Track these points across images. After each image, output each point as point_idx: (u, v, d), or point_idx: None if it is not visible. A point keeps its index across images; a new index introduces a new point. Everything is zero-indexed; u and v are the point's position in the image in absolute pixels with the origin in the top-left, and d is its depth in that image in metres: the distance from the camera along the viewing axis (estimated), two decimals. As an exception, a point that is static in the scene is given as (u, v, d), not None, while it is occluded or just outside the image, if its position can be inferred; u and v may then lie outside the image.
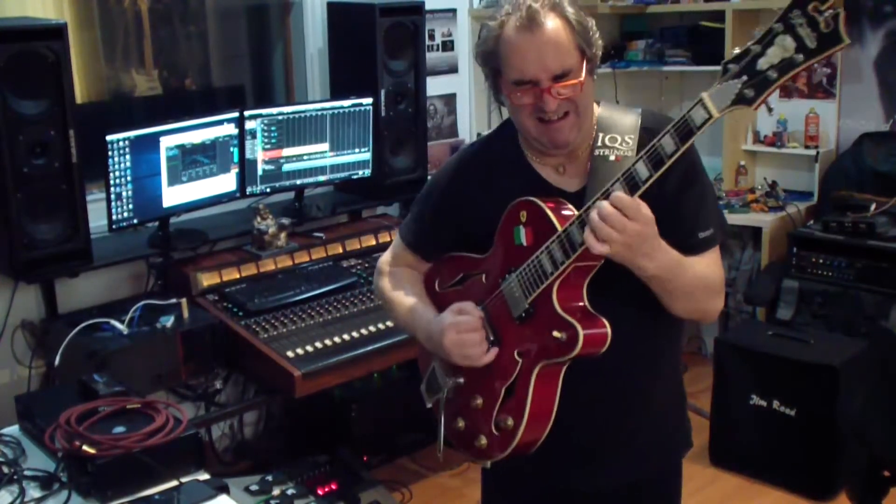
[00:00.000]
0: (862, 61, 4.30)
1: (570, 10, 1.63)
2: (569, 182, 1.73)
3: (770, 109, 1.49)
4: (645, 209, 1.52)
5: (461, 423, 1.80)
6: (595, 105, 1.75)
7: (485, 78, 1.75)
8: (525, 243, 1.66)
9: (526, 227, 1.66)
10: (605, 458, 1.80)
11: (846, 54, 4.29)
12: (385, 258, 1.97)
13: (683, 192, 1.68)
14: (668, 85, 4.91)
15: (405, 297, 1.88)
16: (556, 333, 1.59)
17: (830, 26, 1.35)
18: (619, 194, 1.51)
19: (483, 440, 1.73)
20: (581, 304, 1.62)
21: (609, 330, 1.59)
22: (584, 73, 1.63)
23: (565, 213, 1.62)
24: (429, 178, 1.90)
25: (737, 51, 1.45)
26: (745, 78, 1.43)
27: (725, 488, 3.59)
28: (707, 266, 1.69)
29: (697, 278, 1.66)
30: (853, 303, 3.92)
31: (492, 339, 1.72)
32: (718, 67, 1.47)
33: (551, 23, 1.60)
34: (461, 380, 1.78)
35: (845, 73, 4.35)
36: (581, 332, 1.57)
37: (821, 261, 4.04)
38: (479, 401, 1.74)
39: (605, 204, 1.51)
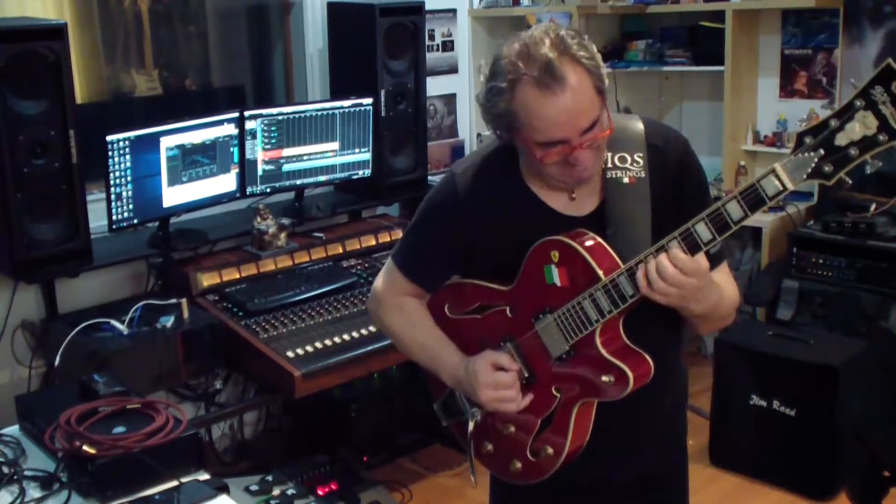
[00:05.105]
0: (862, 61, 4.30)
1: (581, 53, 1.51)
2: (578, 207, 1.68)
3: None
4: (704, 264, 1.52)
5: (489, 447, 1.81)
6: None
7: (493, 131, 1.63)
8: (559, 283, 1.63)
9: (559, 266, 1.62)
10: (618, 451, 1.80)
11: (846, 54, 4.29)
12: (381, 287, 1.84)
13: (701, 204, 1.64)
14: (667, 85, 4.90)
15: (420, 334, 1.81)
16: (605, 378, 1.60)
17: None
18: (680, 254, 1.49)
19: (518, 465, 1.76)
20: (622, 342, 1.62)
21: (652, 363, 1.60)
22: (607, 117, 1.56)
23: (603, 257, 1.58)
24: (421, 203, 1.80)
25: (813, 122, 1.43)
26: (821, 152, 1.41)
27: (725, 488, 3.59)
28: (732, 288, 1.71)
29: (729, 304, 1.69)
30: (853, 303, 3.91)
31: (526, 375, 1.71)
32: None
33: (572, 75, 1.49)
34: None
35: (845, 74, 4.35)
36: (631, 376, 1.58)
37: (821, 261, 4.03)
38: (512, 429, 1.75)
39: (664, 262, 1.50)
